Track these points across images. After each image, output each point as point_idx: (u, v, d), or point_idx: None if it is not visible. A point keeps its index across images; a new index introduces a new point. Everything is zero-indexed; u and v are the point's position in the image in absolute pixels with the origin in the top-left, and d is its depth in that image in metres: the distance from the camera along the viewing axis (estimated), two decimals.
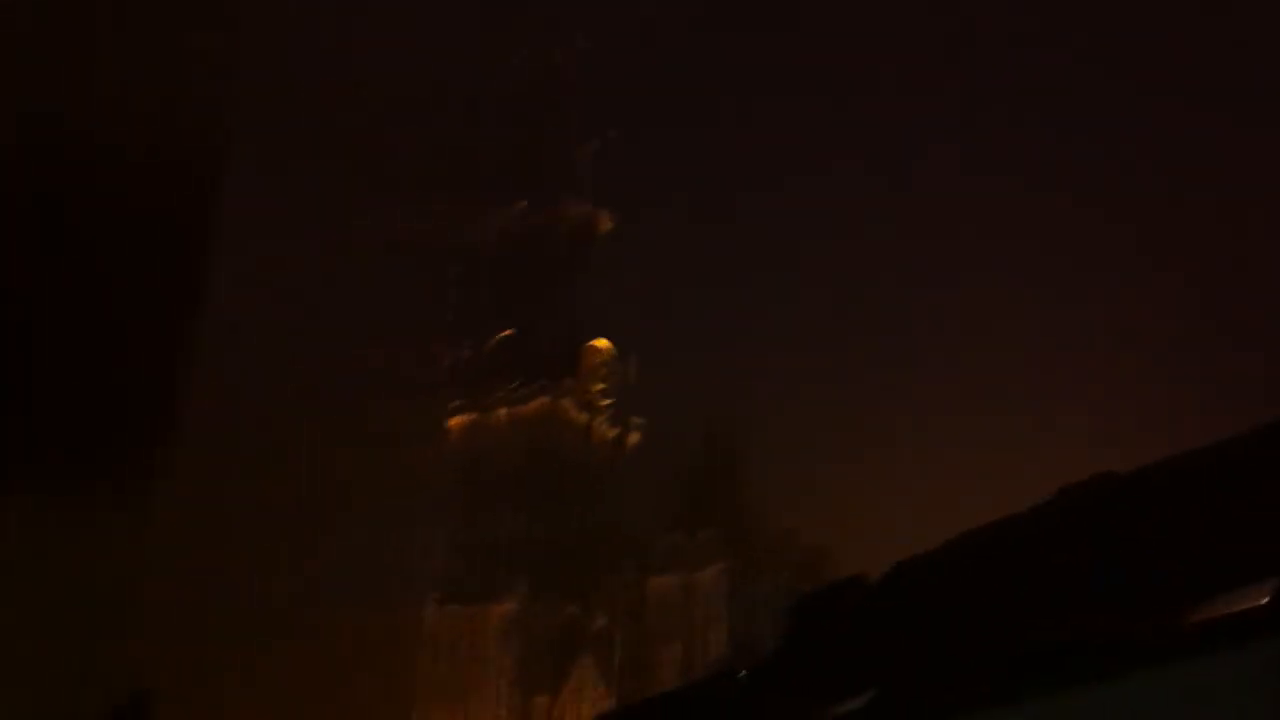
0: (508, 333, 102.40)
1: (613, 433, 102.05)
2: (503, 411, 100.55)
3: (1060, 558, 15.86)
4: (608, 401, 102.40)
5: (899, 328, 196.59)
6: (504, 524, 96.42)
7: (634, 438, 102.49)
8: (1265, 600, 11.57)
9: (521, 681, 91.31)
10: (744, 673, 27.10)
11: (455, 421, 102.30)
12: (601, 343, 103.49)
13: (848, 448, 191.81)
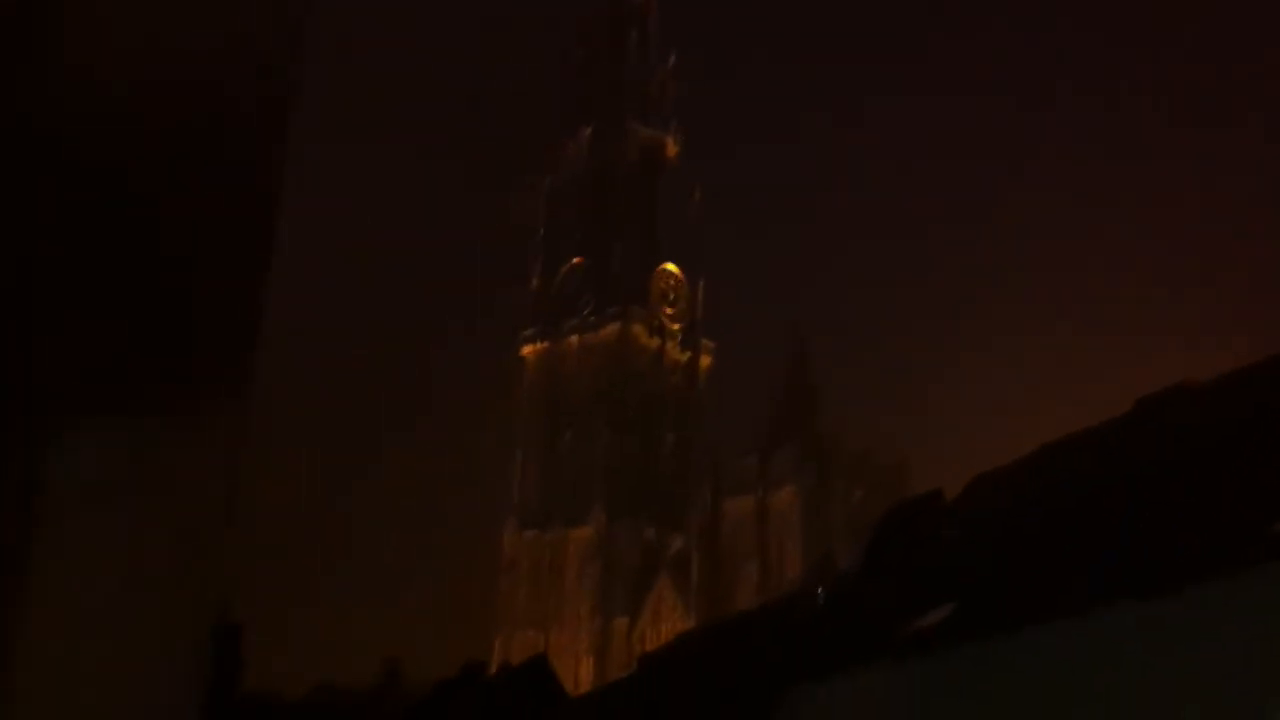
0: (577, 261, 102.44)
1: (684, 356, 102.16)
2: (574, 339, 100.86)
3: (1138, 469, 15.81)
4: (678, 326, 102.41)
5: (972, 249, 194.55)
6: (579, 450, 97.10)
7: (706, 361, 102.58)
8: None
9: (601, 605, 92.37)
10: (822, 591, 27.31)
11: (528, 350, 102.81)
12: (671, 267, 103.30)
13: (923, 366, 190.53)
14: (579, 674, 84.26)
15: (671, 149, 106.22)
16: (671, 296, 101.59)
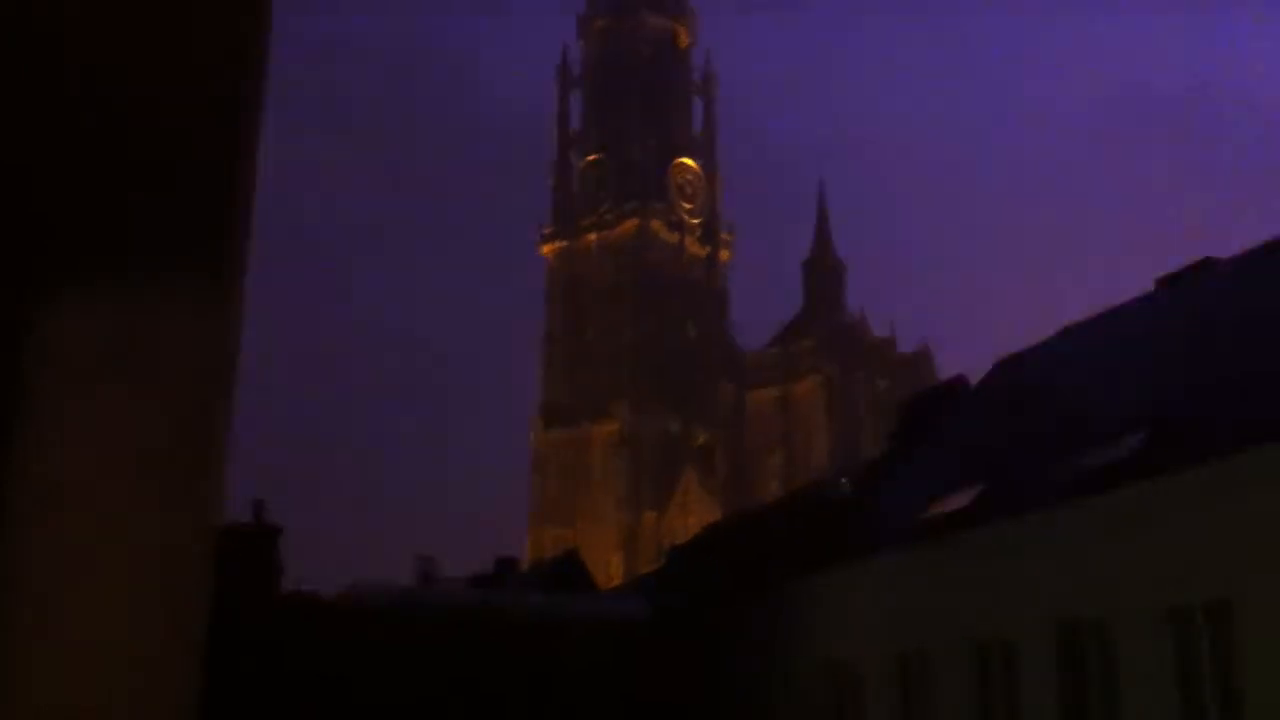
0: (593, 157, 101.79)
1: (704, 250, 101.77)
2: (593, 236, 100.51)
3: (1160, 347, 15.85)
4: (697, 220, 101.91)
5: (997, 122, 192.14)
6: (602, 347, 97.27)
7: (725, 254, 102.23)
8: None
9: (628, 499, 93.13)
10: (845, 480, 27.56)
11: (548, 249, 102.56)
12: (688, 161, 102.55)
13: (944, 252, 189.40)
14: (609, 567, 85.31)
15: (685, 39, 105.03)
16: (689, 190, 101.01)
